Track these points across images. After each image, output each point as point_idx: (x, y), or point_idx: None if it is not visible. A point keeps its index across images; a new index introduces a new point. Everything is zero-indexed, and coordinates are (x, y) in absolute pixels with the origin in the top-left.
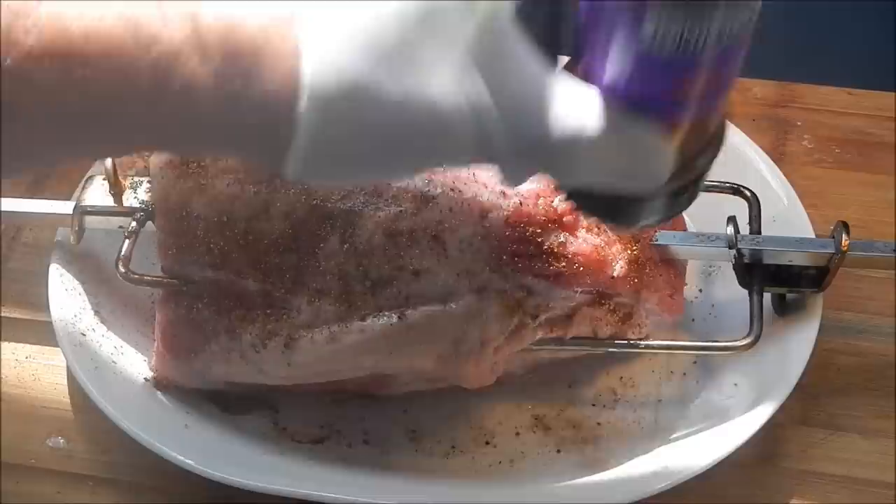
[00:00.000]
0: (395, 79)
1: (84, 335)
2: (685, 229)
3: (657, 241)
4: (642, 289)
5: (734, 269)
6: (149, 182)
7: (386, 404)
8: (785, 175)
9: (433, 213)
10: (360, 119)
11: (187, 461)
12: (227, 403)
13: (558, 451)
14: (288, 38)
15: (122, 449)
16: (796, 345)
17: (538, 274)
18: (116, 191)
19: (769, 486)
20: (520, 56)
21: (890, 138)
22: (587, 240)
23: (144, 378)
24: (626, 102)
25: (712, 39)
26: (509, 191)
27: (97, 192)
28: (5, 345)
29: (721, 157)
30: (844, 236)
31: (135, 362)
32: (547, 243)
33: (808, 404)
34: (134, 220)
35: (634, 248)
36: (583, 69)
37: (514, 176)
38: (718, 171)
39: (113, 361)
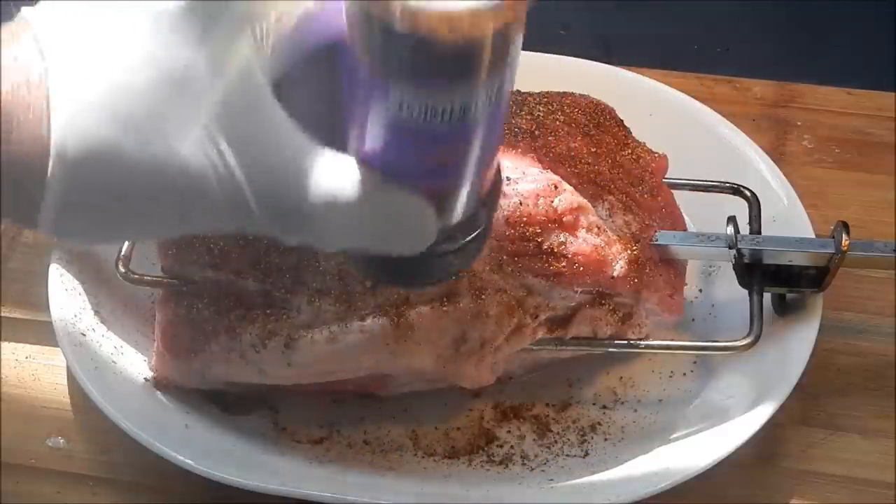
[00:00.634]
0: (142, 144)
1: (84, 335)
2: (685, 229)
3: (657, 241)
4: (642, 289)
5: (734, 269)
6: None
7: (386, 404)
8: (785, 175)
9: None
10: (107, 184)
11: (187, 461)
12: (227, 403)
13: (558, 450)
14: (38, 99)
15: (122, 449)
16: (796, 345)
17: (538, 274)
18: None
19: (769, 486)
20: (272, 123)
21: (890, 138)
22: (587, 240)
23: (144, 378)
24: (381, 171)
25: (457, 115)
26: (509, 191)
27: None
28: (5, 345)
29: (721, 157)
30: (844, 236)
31: (135, 362)
32: (547, 243)
33: (808, 404)
34: None
35: (634, 248)
36: (346, 139)
37: (320, 242)
38: (718, 171)
39: (113, 361)
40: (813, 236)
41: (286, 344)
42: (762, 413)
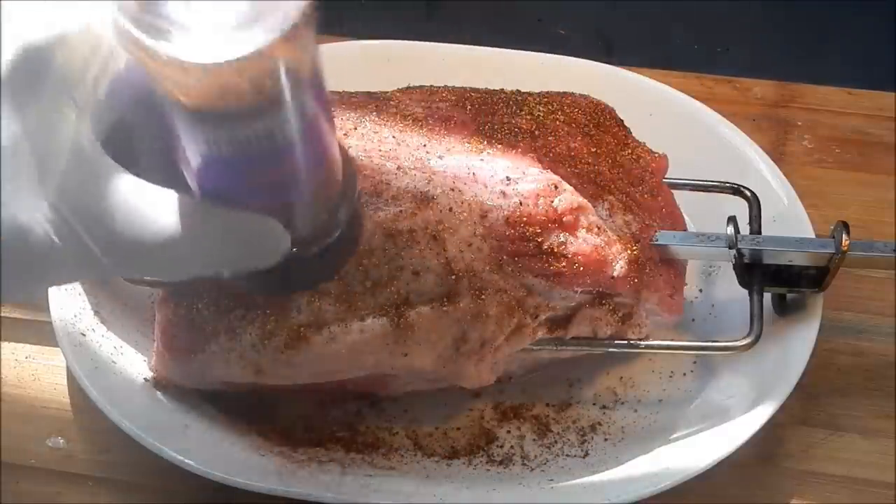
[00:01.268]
0: None
1: (84, 335)
2: (685, 229)
3: (657, 241)
4: (642, 289)
5: (734, 269)
6: None
7: (386, 404)
8: (785, 175)
9: (433, 213)
10: None
11: (187, 461)
12: (228, 404)
13: (558, 451)
14: None
15: (122, 449)
16: (796, 345)
17: (538, 274)
18: None
19: (769, 486)
20: (105, 176)
21: (890, 138)
22: (587, 240)
23: (144, 378)
24: (218, 198)
25: (263, 140)
26: (509, 191)
27: None
28: (5, 345)
29: (721, 157)
30: (844, 236)
31: (135, 362)
32: (547, 243)
33: (808, 404)
34: None
35: (634, 248)
36: (182, 176)
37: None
38: (718, 171)
39: (113, 361)
40: (813, 236)
41: (286, 344)
42: (762, 413)
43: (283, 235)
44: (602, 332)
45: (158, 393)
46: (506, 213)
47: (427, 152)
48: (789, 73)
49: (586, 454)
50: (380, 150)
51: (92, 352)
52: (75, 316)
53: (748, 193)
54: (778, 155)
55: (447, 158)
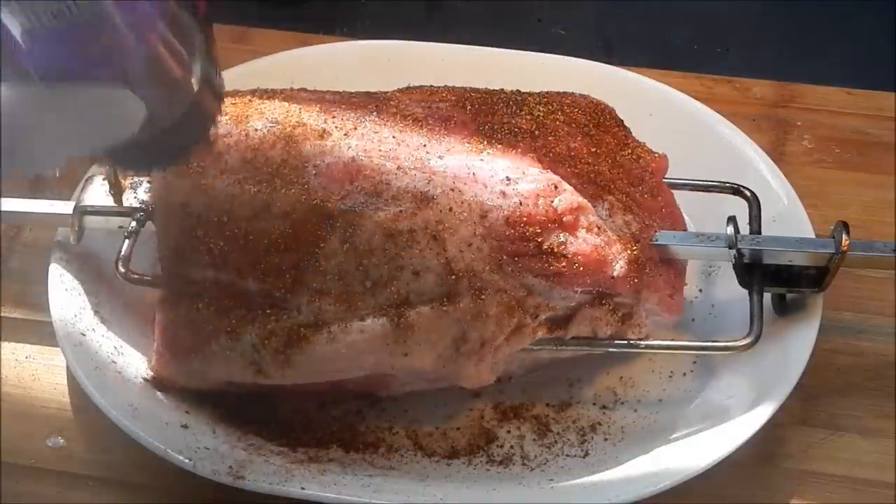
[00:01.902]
0: None
1: (84, 335)
2: (685, 229)
3: (657, 241)
4: (642, 289)
5: (734, 269)
6: (149, 182)
7: (386, 404)
8: (785, 175)
9: (433, 213)
10: None
11: (187, 461)
12: (228, 404)
13: (558, 450)
14: None
15: (122, 449)
16: (796, 345)
17: (538, 274)
18: (116, 191)
19: (769, 486)
20: None
21: (890, 138)
22: (587, 240)
23: (144, 378)
24: (59, 76)
25: (75, 11)
26: (509, 191)
27: (97, 192)
28: (5, 345)
29: (721, 157)
30: (844, 236)
31: (135, 362)
32: (547, 243)
33: (808, 404)
34: (134, 220)
35: (634, 248)
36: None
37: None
38: (718, 171)
39: (113, 361)
40: (813, 236)
41: (286, 344)
42: (762, 413)
43: (136, 103)
44: (602, 332)
45: (158, 393)
46: (506, 213)
47: (427, 152)
48: (789, 73)
49: (586, 454)
50: (380, 150)
51: (92, 352)
52: (75, 316)
53: (748, 193)
54: (778, 155)
55: (447, 158)
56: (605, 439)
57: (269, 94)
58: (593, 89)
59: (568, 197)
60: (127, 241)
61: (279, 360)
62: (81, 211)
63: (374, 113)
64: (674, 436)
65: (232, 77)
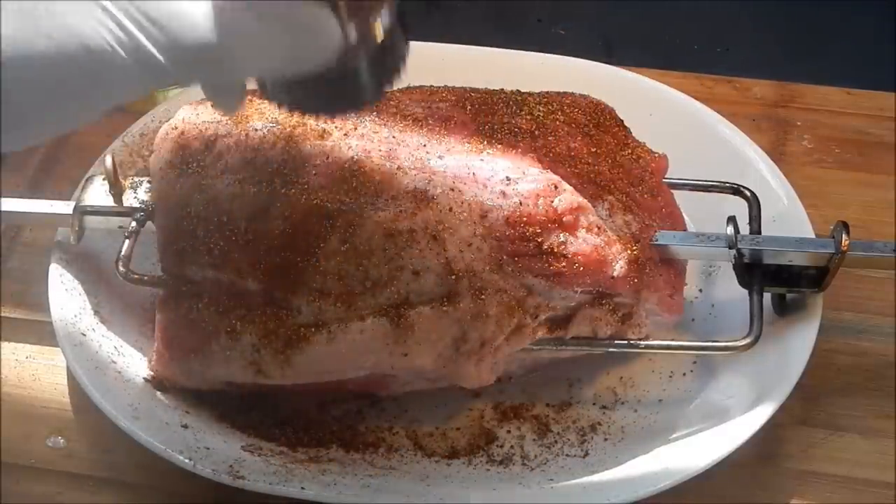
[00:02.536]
0: (41, 34)
1: (84, 335)
2: (685, 229)
3: (657, 241)
4: (642, 289)
5: (734, 269)
6: (149, 182)
7: (386, 404)
8: (785, 175)
9: (433, 213)
10: (14, 79)
11: (187, 461)
12: (227, 403)
13: (558, 450)
14: None
15: (122, 449)
16: (796, 345)
17: (538, 274)
18: (116, 191)
19: (769, 486)
20: None
21: (890, 138)
22: (587, 240)
23: (144, 378)
24: None
25: None
26: (509, 191)
27: (97, 192)
28: (5, 345)
29: (721, 157)
30: (844, 236)
31: (135, 362)
32: (547, 243)
33: (808, 404)
34: (134, 220)
35: (634, 248)
36: None
37: (218, 99)
38: (718, 171)
39: (113, 361)
40: (813, 236)
41: (286, 344)
42: (762, 413)
43: (334, 28)
44: (602, 332)
45: (158, 393)
46: (506, 213)
47: (427, 152)
48: (789, 73)
49: (586, 454)
50: (380, 150)
51: (92, 352)
52: (75, 316)
53: (748, 193)
54: (778, 155)
55: (447, 158)
56: (605, 439)
57: None
58: (593, 89)
59: (568, 197)
60: (127, 241)
61: (279, 360)
62: (81, 211)
63: (374, 113)
64: (674, 436)
65: None
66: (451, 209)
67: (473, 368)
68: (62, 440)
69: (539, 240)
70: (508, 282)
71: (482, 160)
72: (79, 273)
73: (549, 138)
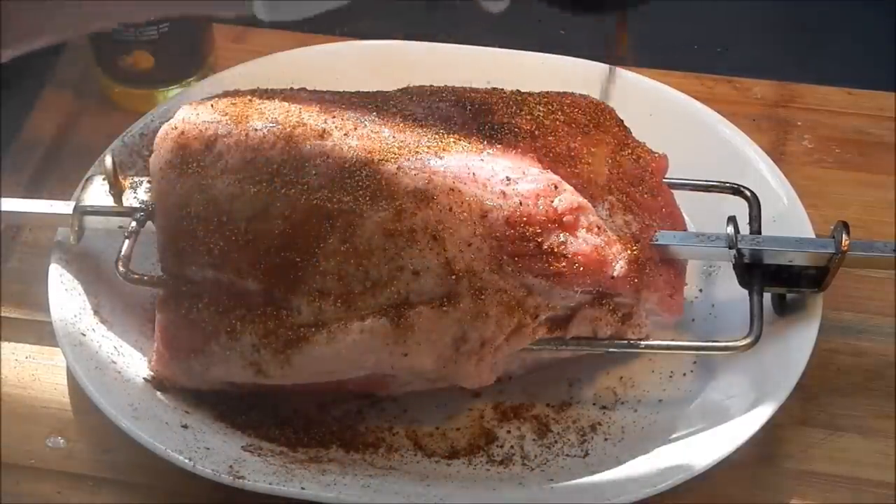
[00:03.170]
0: None
1: (84, 335)
2: (685, 229)
3: (657, 241)
4: (642, 289)
5: (734, 269)
6: (149, 182)
7: (386, 404)
8: (785, 175)
9: (433, 213)
10: None
11: (187, 461)
12: (227, 403)
13: (558, 450)
14: None
15: (122, 449)
16: (796, 345)
17: (538, 274)
18: (116, 191)
19: (769, 486)
20: None
21: (890, 138)
22: (587, 240)
23: (144, 378)
24: None
25: None
26: (509, 191)
27: (97, 192)
28: (5, 345)
29: (721, 157)
30: (844, 236)
31: (135, 362)
32: (547, 243)
33: (808, 404)
34: (134, 220)
35: (634, 248)
36: None
37: None
38: (718, 171)
39: (113, 361)
40: (813, 236)
41: (286, 344)
42: (762, 413)
43: None
44: (602, 332)
45: (158, 393)
46: (506, 213)
47: (427, 152)
48: (789, 73)
49: (586, 454)
50: (380, 150)
51: (92, 352)
52: (75, 316)
53: (748, 193)
54: (778, 155)
55: (447, 158)
56: (605, 439)
57: (269, 94)
58: (593, 89)
59: (568, 197)
60: (127, 241)
61: (279, 360)
62: (81, 211)
63: (374, 113)
64: (673, 436)
65: (232, 77)
66: (450, 209)
67: (473, 368)
68: (62, 440)
69: (539, 240)
70: (508, 282)
71: (482, 160)
72: (79, 273)
73: (549, 138)
